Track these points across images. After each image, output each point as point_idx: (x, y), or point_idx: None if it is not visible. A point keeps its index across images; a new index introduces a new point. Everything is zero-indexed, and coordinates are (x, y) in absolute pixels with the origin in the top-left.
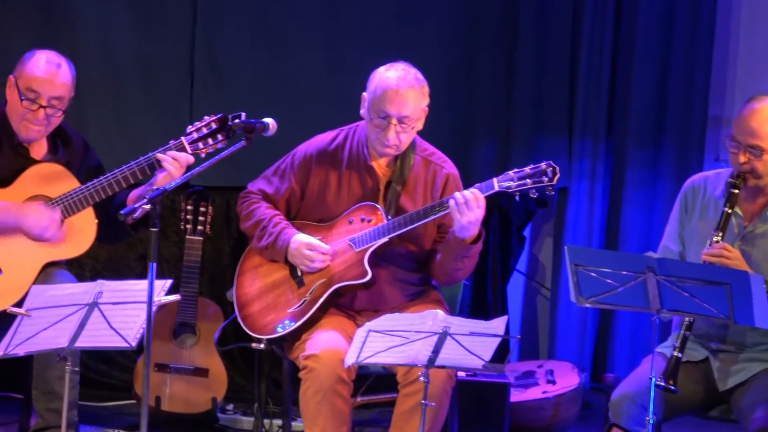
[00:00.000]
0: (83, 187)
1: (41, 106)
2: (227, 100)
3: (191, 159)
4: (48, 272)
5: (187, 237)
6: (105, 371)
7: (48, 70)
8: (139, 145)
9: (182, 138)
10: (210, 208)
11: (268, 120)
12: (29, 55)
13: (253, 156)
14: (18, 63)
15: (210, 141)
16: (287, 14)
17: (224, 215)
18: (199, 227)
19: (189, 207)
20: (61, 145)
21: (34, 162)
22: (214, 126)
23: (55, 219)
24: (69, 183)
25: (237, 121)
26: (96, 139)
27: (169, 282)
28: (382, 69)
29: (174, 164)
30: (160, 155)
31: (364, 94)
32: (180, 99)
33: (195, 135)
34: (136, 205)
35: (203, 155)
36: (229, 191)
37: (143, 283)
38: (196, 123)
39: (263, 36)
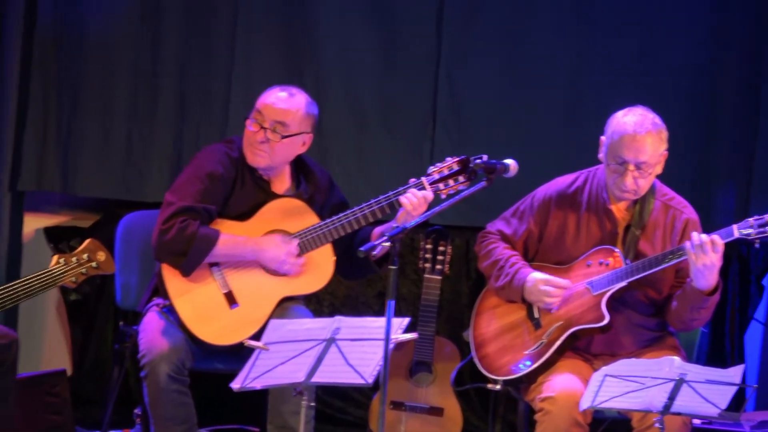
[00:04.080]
0: (322, 223)
1: (262, 127)
2: (468, 141)
3: (430, 195)
4: (284, 307)
5: (426, 276)
6: (340, 407)
7: (277, 95)
8: (379, 184)
9: (423, 178)
10: (449, 247)
11: (509, 161)
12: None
13: (493, 196)
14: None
15: (451, 182)
16: (531, 57)
17: (463, 255)
18: (438, 266)
19: (428, 246)
20: (304, 180)
21: (275, 196)
22: (455, 167)
23: (292, 252)
24: (308, 219)
25: (478, 161)
26: (337, 176)
27: (406, 320)
28: (620, 114)
29: (413, 202)
30: (401, 198)
31: (602, 138)
32: (421, 138)
33: (436, 176)
34: (376, 243)
35: (443, 196)
36: (468, 231)
37: (381, 321)
38: (438, 164)
39: (506, 78)
